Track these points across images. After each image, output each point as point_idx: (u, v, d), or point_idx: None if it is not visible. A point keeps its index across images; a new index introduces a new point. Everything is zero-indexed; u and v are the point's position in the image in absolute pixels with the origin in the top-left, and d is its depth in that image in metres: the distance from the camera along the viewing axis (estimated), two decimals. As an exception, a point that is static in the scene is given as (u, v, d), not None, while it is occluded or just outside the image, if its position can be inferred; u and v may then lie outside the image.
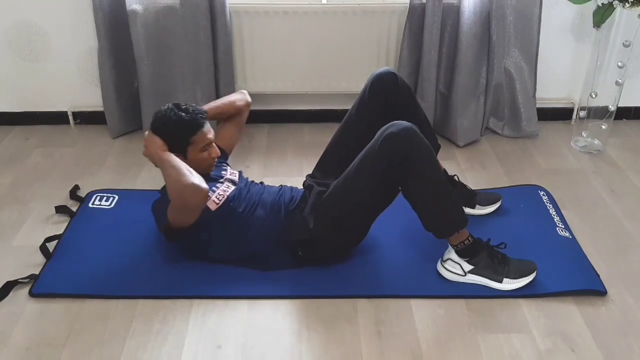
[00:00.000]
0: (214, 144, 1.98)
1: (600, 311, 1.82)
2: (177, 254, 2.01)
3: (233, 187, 1.99)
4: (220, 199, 1.92)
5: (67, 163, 2.62)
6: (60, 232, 2.14)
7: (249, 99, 2.21)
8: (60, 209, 2.27)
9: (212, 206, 1.89)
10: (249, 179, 2.13)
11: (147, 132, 1.91)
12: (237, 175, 2.09)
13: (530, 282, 1.87)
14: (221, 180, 2.01)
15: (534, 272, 1.88)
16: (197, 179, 1.76)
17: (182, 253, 2.00)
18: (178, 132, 1.89)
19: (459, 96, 2.69)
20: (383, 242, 2.08)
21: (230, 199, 1.93)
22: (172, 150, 1.86)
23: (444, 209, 1.84)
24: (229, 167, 2.13)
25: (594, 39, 2.64)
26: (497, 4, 2.57)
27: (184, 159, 1.88)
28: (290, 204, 1.99)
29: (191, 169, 1.79)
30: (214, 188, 1.94)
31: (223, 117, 2.18)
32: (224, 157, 2.16)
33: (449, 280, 1.91)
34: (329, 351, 1.69)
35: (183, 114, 1.89)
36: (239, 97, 2.20)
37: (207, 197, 1.80)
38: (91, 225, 2.18)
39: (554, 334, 1.74)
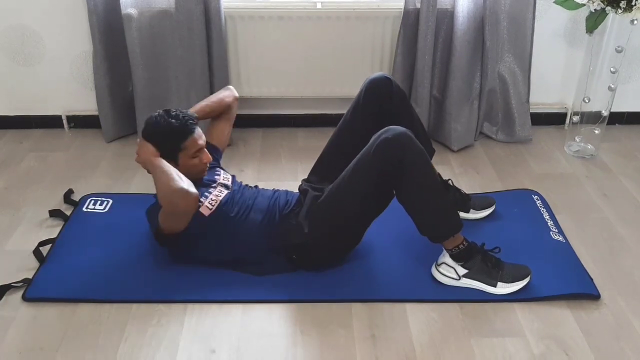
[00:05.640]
0: (205, 149, 1.98)
1: (593, 315, 1.83)
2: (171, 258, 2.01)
3: (226, 192, 1.99)
4: (213, 204, 1.91)
5: (61, 167, 2.62)
6: (54, 236, 2.13)
7: (236, 94, 2.22)
8: (54, 213, 2.26)
9: (206, 212, 1.89)
10: (243, 183, 2.13)
11: (139, 139, 1.91)
12: (230, 179, 2.09)
13: (524, 286, 1.88)
14: (214, 185, 2.01)
15: (528, 276, 1.89)
16: (186, 183, 1.77)
17: (172, 257, 2.00)
18: (168, 138, 1.89)
19: (453, 101, 2.70)
20: (378, 247, 2.09)
21: (223, 204, 1.93)
22: (163, 156, 1.87)
23: (439, 213, 1.84)
24: (222, 172, 2.13)
25: (587, 44, 2.66)
26: (491, 9, 2.59)
27: (176, 165, 1.88)
28: (285, 208, 1.99)
29: (181, 175, 1.80)
30: (206, 193, 1.94)
31: (213, 116, 2.19)
32: (217, 155, 2.17)
33: (443, 285, 1.92)
34: (323, 355, 1.69)
35: (173, 120, 1.89)
36: (227, 93, 2.20)
37: (197, 202, 1.81)
38: (85, 230, 2.17)
39: (547, 338, 1.75)
